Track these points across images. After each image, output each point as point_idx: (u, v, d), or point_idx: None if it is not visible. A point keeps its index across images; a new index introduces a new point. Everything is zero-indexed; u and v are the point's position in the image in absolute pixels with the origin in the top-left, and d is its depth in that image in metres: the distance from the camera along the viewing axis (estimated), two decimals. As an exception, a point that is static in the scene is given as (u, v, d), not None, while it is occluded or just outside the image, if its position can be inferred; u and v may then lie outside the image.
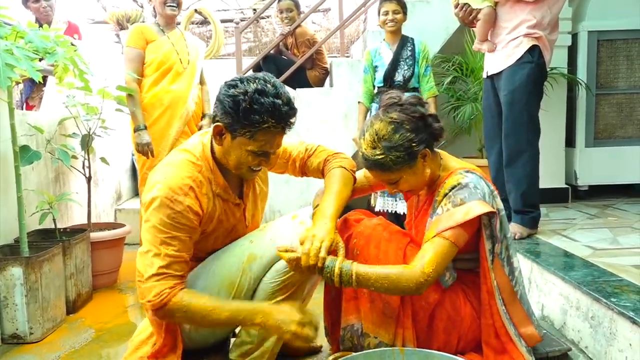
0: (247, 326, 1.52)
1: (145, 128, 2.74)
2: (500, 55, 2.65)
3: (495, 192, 1.56)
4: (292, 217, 1.61)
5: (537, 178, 2.64)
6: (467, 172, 1.55)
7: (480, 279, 1.57)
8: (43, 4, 3.43)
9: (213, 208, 1.54)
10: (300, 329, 1.40)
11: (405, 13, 3.16)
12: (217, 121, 1.47)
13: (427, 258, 1.42)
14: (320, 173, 1.74)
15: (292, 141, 1.80)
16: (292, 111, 1.46)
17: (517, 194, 2.61)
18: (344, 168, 1.67)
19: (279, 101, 1.42)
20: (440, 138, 1.58)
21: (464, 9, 2.72)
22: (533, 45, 2.53)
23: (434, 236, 1.45)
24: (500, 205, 1.56)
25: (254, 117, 1.40)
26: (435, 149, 1.63)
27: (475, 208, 1.46)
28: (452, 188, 1.50)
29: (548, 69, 2.71)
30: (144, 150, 2.74)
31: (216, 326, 1.53)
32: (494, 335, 1.55)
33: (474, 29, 2.85)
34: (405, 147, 1.48)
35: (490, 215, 1.50)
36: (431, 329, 1.56)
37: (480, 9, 2.67)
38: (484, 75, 2.82)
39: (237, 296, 1.54)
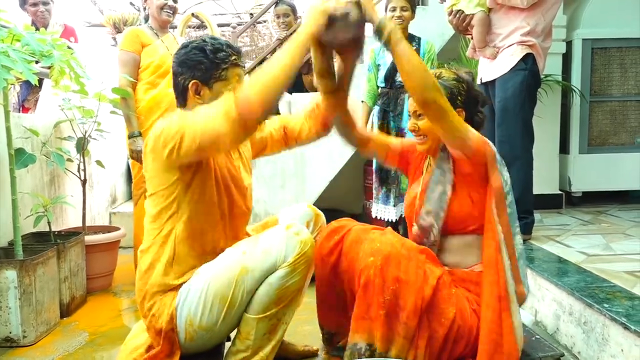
0: (300, 53, 1.41)
1: (140, 135, 2.72)
2: (494, 63, 2.66)
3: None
4: (286, 227, 1.57)
5: (530, 184, 2.65)
6: None
7: (485, 241, 1.61)
8: (41, 8, 3.43)
9: None
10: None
11: (413, 10, 3.03)
12: (187, 82, 1.58)
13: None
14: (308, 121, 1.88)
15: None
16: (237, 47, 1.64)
17: None
18: None
19: (225, 40, 1.64)
20: (480, 127, 1.70)
21: (457, 15, 2.73)
22: (527, 53, 2.55)
23: None
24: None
25: (220, 54, 1.57)
26: None
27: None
28: None
29: (542, 76, 2.73)
30: (139, 157, 2.72)
31: (290, 71, 1.40)
32: (497, 296, 1.54)
33: (468, 36, 2.86)
34: (452, 93, 1.64)
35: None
36: (445, 342, 1.55)
37: (473, 15, 2.68)
38: (478, 82, 2.84)
39: (231, 308, 1.52)
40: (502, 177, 1.62)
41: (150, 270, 1.58)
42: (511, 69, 2.57)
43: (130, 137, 2.72)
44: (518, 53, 2.56)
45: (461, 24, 2.73)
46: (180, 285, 1.58)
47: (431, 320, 1.54)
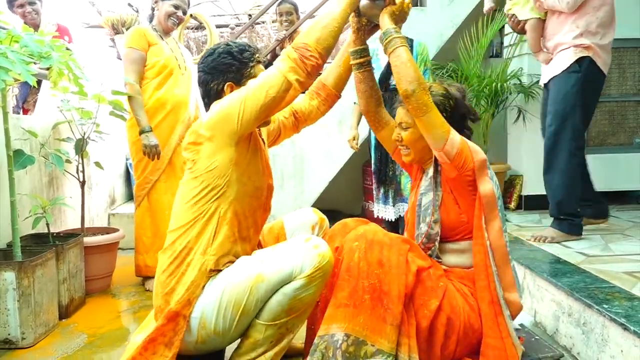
0: (349, 4, 1.60)
1: (151, 130, 2.72)
2: (550, 65, 2.69)
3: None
4: (306, 240, 1.58)
5: (574, 188, 2.65)
6: None
7: (474, 247, 1.63)
8: (28, 8, 3.42)
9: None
10: None
11: None
12: (222, 85, 1.66)
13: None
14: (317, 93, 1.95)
15: None
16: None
17: (553, 202, 2.67)
18: None
19: (243, 41, 1.77)
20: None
21: (512, 18, 2.81)
22: (582, 57, 2.55)
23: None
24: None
25: (246, 54, 1.68)
26: None
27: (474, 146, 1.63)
28: None
29: (606, 72, 2.66)
30: (152, 152, 2.70)
31: (340, 19, 1.58)
32: (489, 301, 1.57)
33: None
34: (437, 109, 1.62)
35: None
36: (432, 335, 1.56)
37: (527, 20, 2.74)
38: (541, 84, 2.89)
39: (244, 315, 1.54)
40: (492, 182, 1.62)
41: (187, 249, 1.59)
42: (563, 70, 2.58)
43: (141, 132, 2.70)
44: (571, 56, 2.56)
45: (516, 26, 2.82)
46: (213, 272, 1.57)
47: (416, 311, 1.56)
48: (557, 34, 2.62)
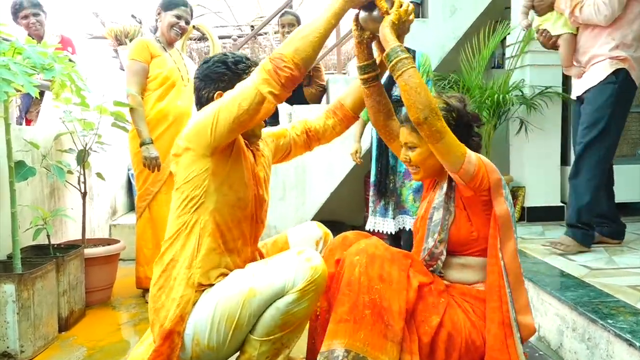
0: (335, 16, 1.52)
1: (152, 142, 2.72)
2: (584, 77, 2.69)
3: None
4: (298, 253, 1.56)
5: (598, 196, 2.66)
6: None
7: (488, 267, 1.61)
8: (32, 19, 3.45)
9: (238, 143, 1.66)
10: None
11: None
12: (212, 93, 1.64)
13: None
14: (332, 113, 1.94)
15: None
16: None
17: (574, 208, 2.65)
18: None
19: (242, 53, 1.75)
20: (478, 150, 1.69)
21: (543, 34, 2.80)
22: (618, 68, 2.55)
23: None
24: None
25: (241, 65, 1.66)
26: None
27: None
28: None
29: (638, 85, 2.67)
30: (152, 164, 2.71)
31: (323, 32, 1.51)
32: (500, 322, 1.54)
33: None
34: None
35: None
36: (433, 351, 1.54)
37: (559, 35, 2.73)
38: (573, 97, 2.87)
39: (237, 329, 1.51)
40: (507, 202, 1.60)
41: (174, 262, 1.58)
42: (600, 82, 2.59)
43: (142, 144, 2.71)
44: (608, 68, 2.57)
45: (547, 42, 2.81)
46: (203, 286, 1.56)
47: (417, 328, 1.53)
48: (592, 47, 2.63)
